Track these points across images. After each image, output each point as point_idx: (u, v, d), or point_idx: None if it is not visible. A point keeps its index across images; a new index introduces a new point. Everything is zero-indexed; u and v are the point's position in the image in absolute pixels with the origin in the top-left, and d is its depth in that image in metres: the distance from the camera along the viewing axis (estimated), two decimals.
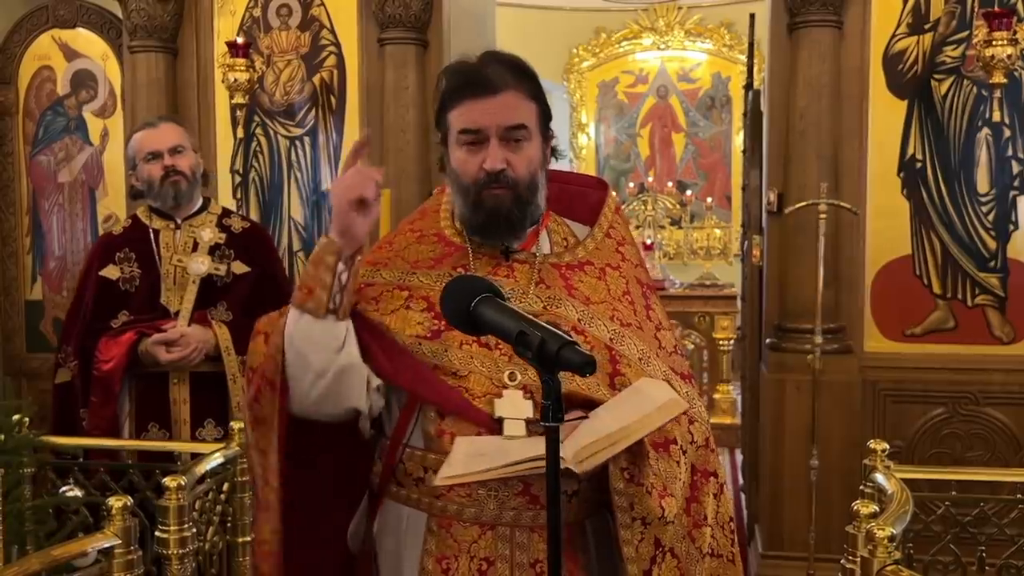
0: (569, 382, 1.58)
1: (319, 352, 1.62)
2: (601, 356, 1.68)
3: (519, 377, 1.63)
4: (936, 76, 3.78)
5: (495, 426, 1.61)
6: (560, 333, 1.31)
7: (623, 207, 9.27)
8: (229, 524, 2.65)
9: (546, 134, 1.75)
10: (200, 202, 3.23)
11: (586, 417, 1.59)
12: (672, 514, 1.59)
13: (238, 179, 4.30)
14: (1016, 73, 3.65)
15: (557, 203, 1.85)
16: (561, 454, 1.40)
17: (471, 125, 1.66)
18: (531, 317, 1.36)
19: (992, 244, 3.78)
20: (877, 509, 2.05)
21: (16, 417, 2.71)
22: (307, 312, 1.61)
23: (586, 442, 1.48)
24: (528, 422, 1.60)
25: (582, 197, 1.89)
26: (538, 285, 1.72)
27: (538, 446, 1.48)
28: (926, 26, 3.77)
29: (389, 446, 1.72)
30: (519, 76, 1.69)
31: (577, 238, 1.83)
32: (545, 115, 1.74)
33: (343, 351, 1.64)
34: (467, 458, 1.55)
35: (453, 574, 1.62)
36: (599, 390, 1.64)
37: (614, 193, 1.94)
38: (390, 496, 1.73)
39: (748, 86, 5.08)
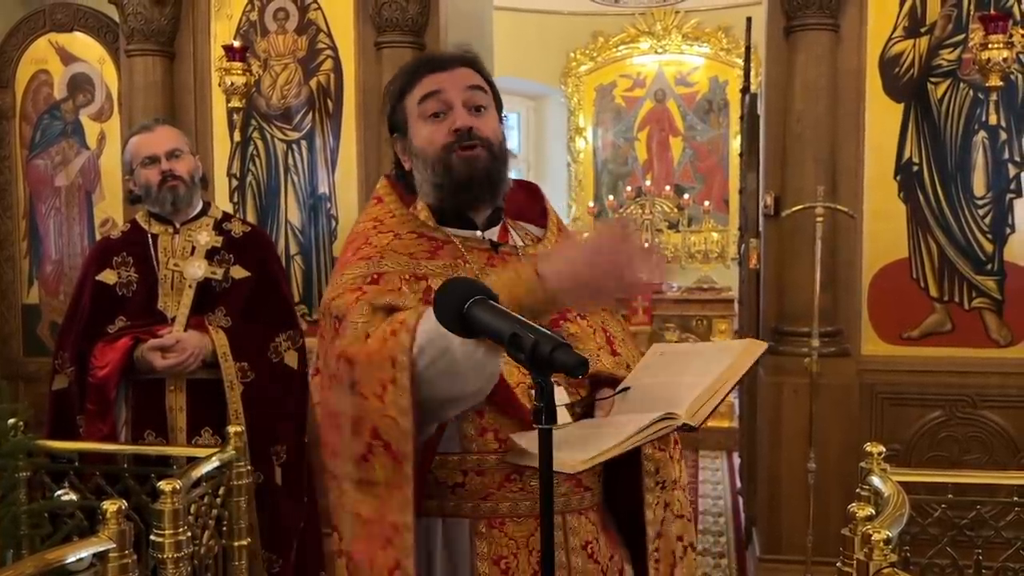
0: (595, 363, 1.64)
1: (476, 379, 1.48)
2: (600, 339, 1.75)
3: None
4: (932, 79, 3.78)
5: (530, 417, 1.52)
6: (553, 334, 1.30)
7: (621, 210, 9.26)
8: (224, 528, 2.64)
9: (501, 119, 1.78)
10: (200, 206, 3.19)
11: (613, 392, 1.65)
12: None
13: (235, 183, 4.30)
14: (1012, 76, 3.65)
15: (508, 208, 1.86)
16: (672, 411, 1.47)
17: (433, 87, 1.68)
18: (523, 319, 1.35)
19: (989, 247, 3.78)
20: (873, 511, 2.04)
21: (12, 421, 2.70)
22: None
23: (691, 397, 1.53)
24: (566, 407, 1.64)
25: (527, 199, 1.91)
26: None
27: (636, 419, 1.51)
28: (922, 29, 3.77)
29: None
30: (469, 61, 1.76)
31: (536, 236, 1.86)
32: (498, 102, 1.78)
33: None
34: (569, 444, 1.47)
35: (514, 572, 1.60)
36: (618, 369, 1.71)
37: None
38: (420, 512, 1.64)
39: (745, 89, 5.09)
